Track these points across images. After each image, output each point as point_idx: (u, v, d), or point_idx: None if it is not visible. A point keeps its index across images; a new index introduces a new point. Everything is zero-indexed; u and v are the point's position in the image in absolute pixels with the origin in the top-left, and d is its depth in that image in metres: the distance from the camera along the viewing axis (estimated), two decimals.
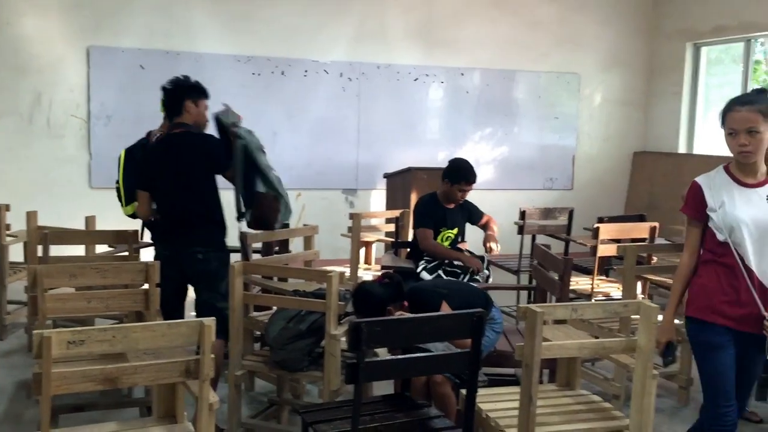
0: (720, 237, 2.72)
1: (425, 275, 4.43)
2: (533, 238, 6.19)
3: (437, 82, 7.92)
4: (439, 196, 4.80)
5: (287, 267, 3.91)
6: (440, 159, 7.14)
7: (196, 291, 3.67)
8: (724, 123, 2.74)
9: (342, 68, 7.52)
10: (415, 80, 7.81)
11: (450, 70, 7.92)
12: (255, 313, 3.91)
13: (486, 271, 4.59)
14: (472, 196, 7.41)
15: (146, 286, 3.18)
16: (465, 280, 4.45)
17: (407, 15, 7.70)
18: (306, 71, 7.39)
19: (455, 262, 4.56)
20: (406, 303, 3.18)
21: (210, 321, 2.22)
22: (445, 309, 3.15)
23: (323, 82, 7.47)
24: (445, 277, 4.40)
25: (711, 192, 2.76)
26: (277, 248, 4.79)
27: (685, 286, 2.88)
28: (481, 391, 3.08)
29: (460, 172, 4.68)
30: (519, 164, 8.28)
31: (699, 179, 2.84)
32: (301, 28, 7.35)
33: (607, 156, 8.60)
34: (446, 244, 4.74)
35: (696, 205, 2.81)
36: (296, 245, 4.98)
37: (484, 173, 8.18)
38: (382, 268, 4.88)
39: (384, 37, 7.65)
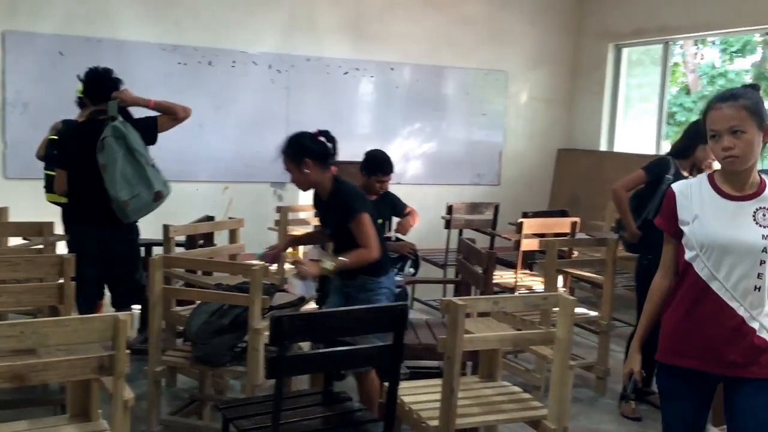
0: (688, 255, 2.29)
1: None
2: (460, 233, 6.28)
3: (367, 77, 7.92)
4: (361, 187, 4.79)
5: (209, 260, 3.85)
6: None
7: (114, 266, 4.00)
8: (706, 126, 2.27)
9: (271, 60, 7.42)
10: (345, 74, 7.79)
11: (380, 65, 7.93)
12: (177, 308, 3.83)
13: (412, 269, 4.61)
14: (402, 190, 7.48)
15: (61, 280, 3.07)
16: (395, 273, 4.46)
17: (337, 8, 7.66)
18: (234, 62, 7.26)
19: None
20: (334, 169, 3.39)
21: (125, 316, 2.16)
22: (361, 221, 3.27)
23: (252, 74, 7.36)
24: None
25: (685, 202, 2.31)
26: (201, 241, 4.71)
27: (656, 310, 2.42)
28: (404, 384, 3.11)
29: (376, 164, 4.70)
30: (447, 159, 8.37)
31: (675, 186, 2.38)
32: (229, 17, 7.21)
33: (533, 152, 8.79)
34: None
35: (668, 217, 2.36)
36: (222, 238, 4.89)
37: (413, 168, 8.24)
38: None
39: (314, 30, 7.59)
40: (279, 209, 5.26)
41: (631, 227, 4.12)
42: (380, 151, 4.84)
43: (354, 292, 3.42)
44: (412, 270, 4.60)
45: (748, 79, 12.07)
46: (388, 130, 8.07)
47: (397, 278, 4.37)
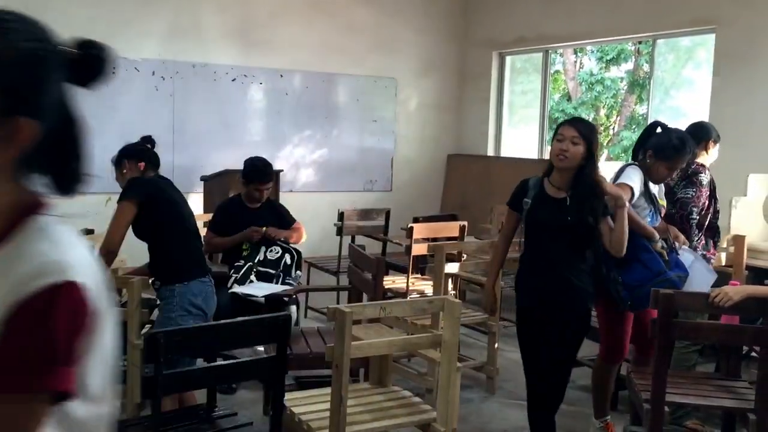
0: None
1: (237, 287, 4.29)
2: (353, 239, 6.28)
3: (256, 84, 7.80)
4: (243, 197, 4.71)
5: None
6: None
7: None
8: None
9: (154, 66, 7.18)
10: (233, 81, 7.64)
11: (269, 72, 7.84)
12: None
13: (299, 272, 4.54)
14: (294, 199, 7.44)
15: None
16: (279, 282, 4.38)
17: (222, 13, 7.51)
18: (115, 68, 6.96)
19: (261, 268, 4.45)
20: (141, 165, 3.38)
21: None
22: (117, 208, 3.19)
23: (134, 81, 7.09)
24: (257, 282, 4.30)
25: None
26: None
27: None
28: (294, 394, 3.06)
29: (254, 172, 4.60)
30: (339, 166, 8.36)
31: None
32: (107, 21, 6.91)
33: (424, 158, 8.92)
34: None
35: None
36: None
37: (304, 176, 8.19)
38: None
39: (199, 36, 7.41)
40: None
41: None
42: (259, 158, 4.74)
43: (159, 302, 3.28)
44: (299, 273, 4.52)
45: (622, 86, 12.75)
46: (279, 137, 7.98)
47: (286, 287, 4.31)
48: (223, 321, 2.29)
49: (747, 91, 6.08)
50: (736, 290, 3.09)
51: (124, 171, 3.39)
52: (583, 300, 3.13)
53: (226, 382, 2.52)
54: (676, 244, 3.58)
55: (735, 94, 6.17)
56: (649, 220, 3.50)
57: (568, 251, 3.07)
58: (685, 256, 3.54)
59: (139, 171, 3.36)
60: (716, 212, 4.01)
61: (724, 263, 4.72)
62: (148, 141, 3.54)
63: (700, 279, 3.46)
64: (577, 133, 3.02)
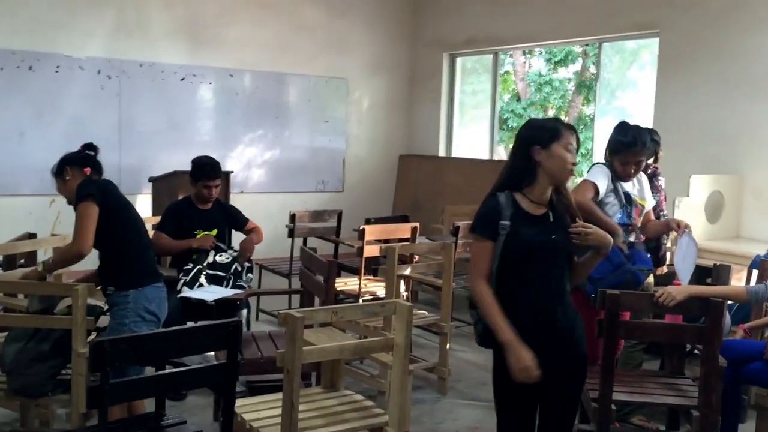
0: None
1: (186, 291, 4.21)
2: (304, 241, 6.24)
3: (206, 83, 7.70)
4: (193, 198, 4.64)
5: (24, 282, 3.45)
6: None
7: None
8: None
9: (100, 65, 7.02)
10: (182, 80, 7.52)
11: (218, 71, 7.74)
12: None
13: (250, 275, 4.49)
14: (245, 199, 7.36)
15: None
16: (230, 285, 4.33)
17: (169, 11, 7.38)
18: (58, 67, 6.79)
19: (210, 271, 4.38)
20: (87, 170, 3.25)
21: None
22: (79, 210, 3.09)
23: (78, 79, 6.92)
24: (207, 285, 4.24)
25: None
26: (22, 261, 4.34)
27: None
28: (245, 400, 3.02)
29: (200, 169, 4.55)
30: (291, 167, 8.31)
31: None
32: (51, 19, 6.74)
33: (376, 158, 8.93)
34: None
35: None
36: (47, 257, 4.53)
37: (256, 176, 8.11)
38: None
39: (145, 34, 7.27)
40: None
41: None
42: (206, 156, 4.70)
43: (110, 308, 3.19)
44: (250, 276, 4.47)
45: (570, 87, 12.98)
46: (229, 137, 7.89)
47: (237, 290, 4.26)
48: (171, 328, 2.25)
49: (689, 94, 6.25)
50: (679, 290, 3.17)
51: (68, 178, 3.25)
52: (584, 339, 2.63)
53: (176, 390, 2.48)
54: (679, 230, 3.76)
55: (678, 96, 6.34)
56: (619, 216, 3.59)
57: (564, 277, 2.56)
58: (684, 239, 3.69)
59: (84, 177, 3.24)
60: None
61: (668, 262, 4.83)
62: (90, 148, 3.40)
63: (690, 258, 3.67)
64: (576, 143, 2.57)
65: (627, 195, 3.64)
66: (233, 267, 4.39)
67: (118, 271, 3.13)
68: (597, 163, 3.72)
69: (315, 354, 2.73)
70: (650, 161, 4.34)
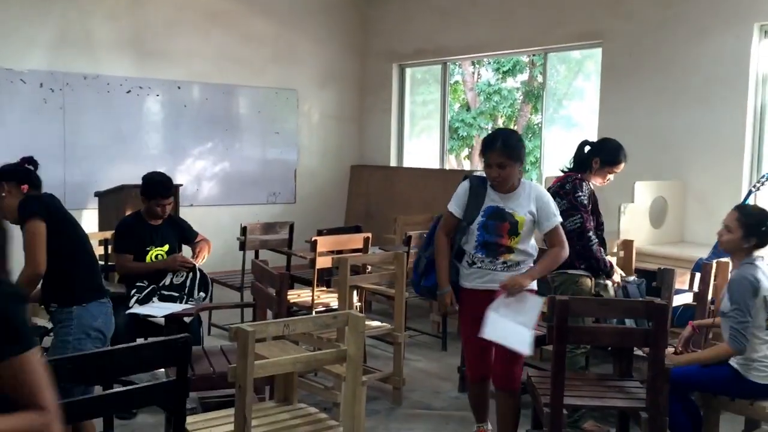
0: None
1: (138, 308, 4.15)
2: (257, 254, 6.19)
3: (153, 95, 7.59)
4: (144, 214, 4.57)
5: None
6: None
7: None
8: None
9: (42, 78, 6.86)
10: (128, 92, 7.40)
11: (166, 83, 7.64)
12: None
13: (202, 293, 4.44)
14: (195, 213, 7.27)
15: None
16: (184, 302, 4.27)
17: (114, 23, 7.26)
18: None
19: (165, 292, 4.35)
20: (24, 187, 3.15)
21: None
22: (27, 229, 2.98)
23: (20, 93, 6.75)
24: (158, 303, 4.17)
25: None
26: None
27: None
28: (196, 417, 2.98)
29: (153, 187, 4.49)
30: (242, 179, 8.24)
31: None
32: None
33: (327, 169, 8.92)
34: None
35: None
36: None
37: (206, 189, 8.02)
38: None
39: (89, 46, 7.13)
40: None
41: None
42: (158, 173, 4.63)
43: (54, 326, 3.14)
44: (202, 294, 4.42)
45: (519, 96, 13.19)
46: (178, 150, 7.79)
47: (187, 306, 4.20)
48: (118, 346, 2.20)
49: (632, 103, 6.42)
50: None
51: (3, 195, 3.14)
52: None
53: (123, 409, 2.42)
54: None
55: (621, 105, 6.50)
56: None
57: None
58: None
59: (21, 194, 3.14)
60: (600, 225, 4.15)
61: None
62: (29, 161, 3.30)
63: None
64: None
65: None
66: (186, 287, 4.35)
67: (61, 287, 3.05)
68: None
69: (267, 368, 2.71)
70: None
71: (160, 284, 4.34)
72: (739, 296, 3.34)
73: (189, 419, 2.89)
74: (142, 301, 4.21)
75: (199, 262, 4.49)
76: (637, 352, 3.84)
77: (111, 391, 2.31)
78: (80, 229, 3.25)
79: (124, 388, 2.35)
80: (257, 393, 3.98)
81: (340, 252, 5.31)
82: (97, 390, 2.82)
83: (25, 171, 3.24)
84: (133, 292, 4.24)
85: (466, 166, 13.42)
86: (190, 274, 4.42)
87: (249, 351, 2.54)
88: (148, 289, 4.27)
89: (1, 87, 6.65)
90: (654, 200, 5.81)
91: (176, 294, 4.35)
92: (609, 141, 4.23)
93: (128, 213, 5.10)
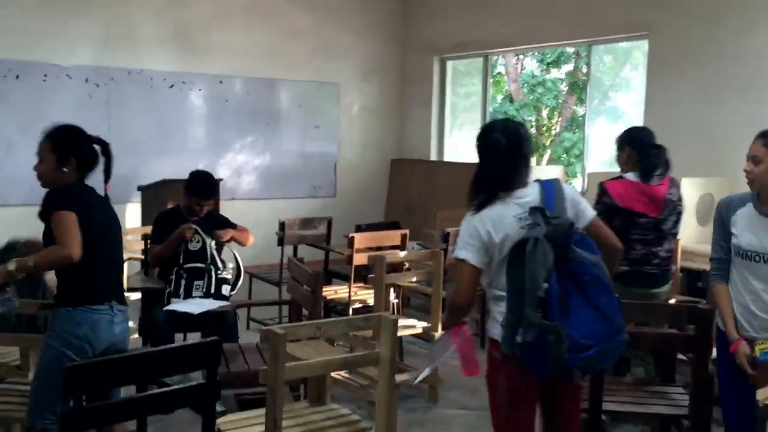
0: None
1: (174, 305, 4.16)
2: (295, 249, 6.21)
3: (195, 90, 7.65)
4: (183, 209, 4.59)
5: None
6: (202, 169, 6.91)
7: None
8: None
9: (87, 73, 6.97)
10: (171, 87, 7.48)
11: (208, 78, 7.70)
12: None
13: (228, 286, 4.42)
14: (236, 207, 7.32)
15: None
16: (212, 284, 4.28)
17: (157, 18, 7.34)
18: (45, 75, 6.75)
19: (188, 265, 4.33)
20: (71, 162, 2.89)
21: None
22: (59, 217, 2.73)
23: (66, 88, 6.88)
24: (194, 300, 4.19)
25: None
26: None
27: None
28: (230, 417, 2.99)
29: (194, 187, 4.50)
30: (283, 173, 8.27)
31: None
32: (37, 27, 6.69)
33: (367, 163, 8.89)
34: None
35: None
36: None
37: (246, 183, 8.07)
38: (129, 290, 4.58)
39: (133, 41, 7.22)
40: None
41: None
42: (205, 173, 4.63)
43: None
44: (228, 288, 4.41)
45: (564, 87, 12.94)
46: (220, 144, 7.85)
47: (223, 302, 4.22)
48: (146, 349, 2.21)
49: (678, 96, 6.23)
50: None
51: (65, 170, 2.89)
52: None
53: (154, 412, 2.43)
54: None
55: (667, 98, 6.32)
56: None
57: None
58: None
59: (73, 173, 2.91)
60: None
61: None
62: (98, 142, 3.07)
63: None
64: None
65: None
66: (209, 254, 4.35)
67: (63, 287, 2.86)
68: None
69: (299, 370, 2.70)
70: None
71: (180, 262, 4.35)
72: None
73: (222, 419, 2.90)
74: (174, 291, 4.25)
75: (225, 238, 4.47)
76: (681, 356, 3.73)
77: (142, 394, 2.32)
78: (112, 237, 3.00)
79: (155, 392, 2.36)
80: (293, 391, 4.00)
81: (378, 248, 5.28)
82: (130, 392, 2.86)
83: (92, 153, 3.00)
84: (166, 286, 4.29)
85: None
86: (207, 240, 4.40)
87: (280, 353, 2.52)
88: (174, 274, 4.30)
89: (48, 82, 6.78)
90: (701, 197, 5.63)
91: (201, 265, 4.33)
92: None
93: (169, 207, 5.14)
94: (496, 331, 2.55)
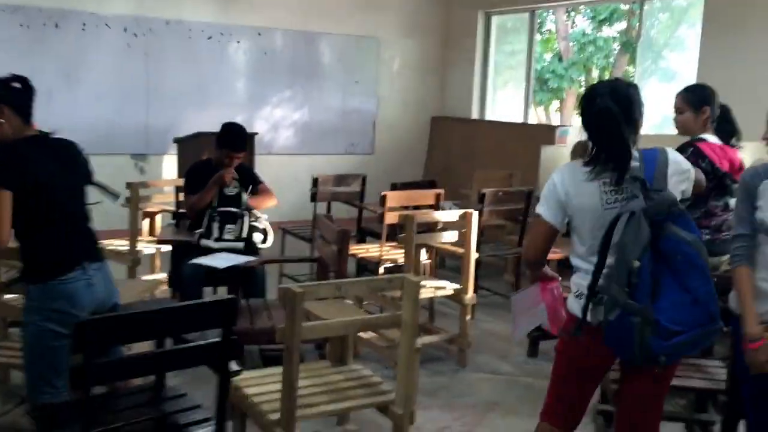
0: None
1: (200, 259, 4.12)
2: (329, 206, 6.14)
3: (233, 42, 7.57)
4: (214, 161, 4.52)
5: None
6: (239, 122, 6.85)
7: None
8: None
9: (126, 23, 6.93)
10: (209, 39, 7.40)
11: (247, 30, 7.59)
12: (8, 296, 3.49)
13: (260, 235, 4.37)
14: (273, 161, 7.27)
15: None
16: (243, 229, 4.24)
17: None
18: (84, 24, 6.73)
19: (222, 209, 4.28)
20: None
21: None
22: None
23: (105, 38, 6.85)
24: (221, 254, 4.15)
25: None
26: None
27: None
28: (252, 373, 2.96)
29: (226, 138, 4.41)
30: (320, 129, 8.18)
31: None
32: None
33: (407, 121, 8.73)
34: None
35: None
36: None
37: (284, 138, 8.01)
38: (159, 242, 4.58)
39: None
40: (129, 185, 4.89)
41: None
42: (236, 125, 4.54)
43: None
44: (261, 237, 4.35)
45: (616, 46, 12.49)
46: (257, 98, 7.78)
47: (250, 257, 4.17)
48: (160, 307, 2.15)
49: (735, 55, 5.91)
50: None
51: (2, 120, 2.60)
52: None
53: (171, 368, 2.39)
54: None
55: (723, 58, 5.99)
56: None
57: None
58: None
59: (16, 124, 2.62)
60: None
61: None
62: (19, 80, 2.68)
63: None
64: None
65: None
66: (242, 202, 4.30)
67: (27, 263, 2.66)
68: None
69: (317, 330, 2.64)
70: None
71: (214, 204, 4.31)
72: None
73: (243, 375, 2.87)
74: (206, 234, 4.22)
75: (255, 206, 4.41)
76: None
77: (156, 351, 2.29)
78: (61, 189, 2.66)
79: (169, 349, 2.32)
80: (319, 349, 3.97)
81: (413, 207, 5.17)
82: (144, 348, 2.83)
83: (6, 90, 2.63)
84: (197, 231, 4.25)
85: (556, 119, 12.91)
86: (243, 189, 4.36)
87: (297, 314, 2.46)
88: (206, 217, 4.26)
89: (87, 31, 6.76)
90: (754, 162, 5.35)
91: (235, 209, 4.29)
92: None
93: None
94: (570, 303, 2.45)
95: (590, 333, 2.31)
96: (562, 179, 2.41)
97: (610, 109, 2.29)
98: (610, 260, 2.24)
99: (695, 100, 3.63)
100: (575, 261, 2.46)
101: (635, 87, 2.40)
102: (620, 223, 2.20)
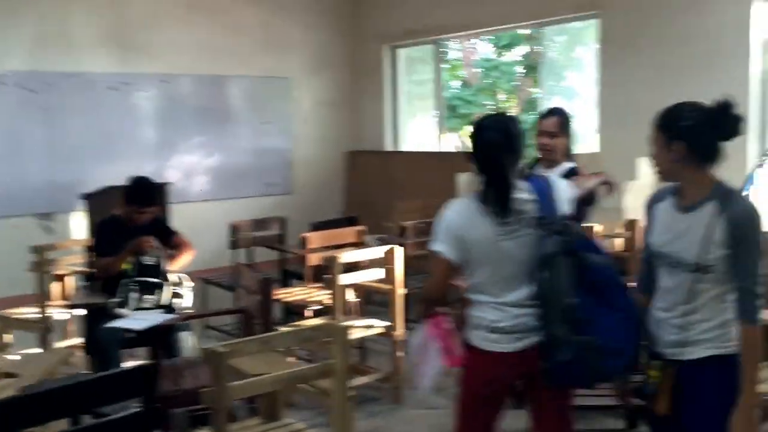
0: None
1: (116, 321, 3.92)
2: (250, 251, 6.02)
3: (137, 91, 7.37)
4: (124, 217, 4.33)
5: None
6: (149, 173, 6.61)
7: None
8: None
9: (22, 79, 6.65)
10: (112, 90, 7.18)
11: (151, 78, 7.42)
12: None
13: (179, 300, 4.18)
14: (187, 209, 7.07)
15: None
16: (161, 299, 4.05)
17: (94, 18, 7.03)
18: None
19: (140, 278, 4.09)
20: None
21: None
22: None
23: (0, 95, 6.55)
24: (138, 314, 3.97)
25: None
26: None
27: None
28: None
29: (133, 194, 4.24)
30: (235, 171, 8.04)
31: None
32: None
33: (323, 157, 8.70)
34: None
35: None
36: None
37: (198, 184, 7.82)
38: (70, 306, 4.36)
39: (70, 43, 6.91)
40: (35, 249, 4.64)
41: None
42: (144, 179, 4.35)
43: None
44: (181, 301, 4.15)
45: (520, 70, 12.86)
46: (168, 146, 7.59)
47: (170, 315, 4.01)
48: (74, 380, 2.02)
49: (632, 75, 6.15)
50: None
51: None
52: None
53: None
54: None
55: (620, 78, 6.24)
56: None
57: None
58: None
59: None
60: None
61: (618, 248, 4.73)
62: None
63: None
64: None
65: None
66: (161, 270, 4.09)
67: None
68: None
69: (244, 390, 2.54)
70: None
71: (131, 275, 4.08)
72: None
73: None
74: (122, 303, 3.99)
75: (172, 267, 4.21)
76: None
77: (77, 427, 2.14)
78: None
79: (92, 422, 2.18)
80: (250, 403, 3.82)
81: (335, 246, 5.11)
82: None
83: None
84: (114, 299, 4.02)
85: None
86: (162, 254, 4.16)
87: (222, 374, 2.36)
88: (123, 287, 4.03)
89: None
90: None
91: (154, 279, 4.08)
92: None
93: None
94: (471, 336, 2.51)
95: (494, 360, 2.42)
96: (455, 215, 2.46)
97: (493, 140, 2.39)
98: (531, 300, 2.34)
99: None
100: (474, 295, 2.48)
101: (515, 119, 2.50)
102: (541, 264, 2.29)
